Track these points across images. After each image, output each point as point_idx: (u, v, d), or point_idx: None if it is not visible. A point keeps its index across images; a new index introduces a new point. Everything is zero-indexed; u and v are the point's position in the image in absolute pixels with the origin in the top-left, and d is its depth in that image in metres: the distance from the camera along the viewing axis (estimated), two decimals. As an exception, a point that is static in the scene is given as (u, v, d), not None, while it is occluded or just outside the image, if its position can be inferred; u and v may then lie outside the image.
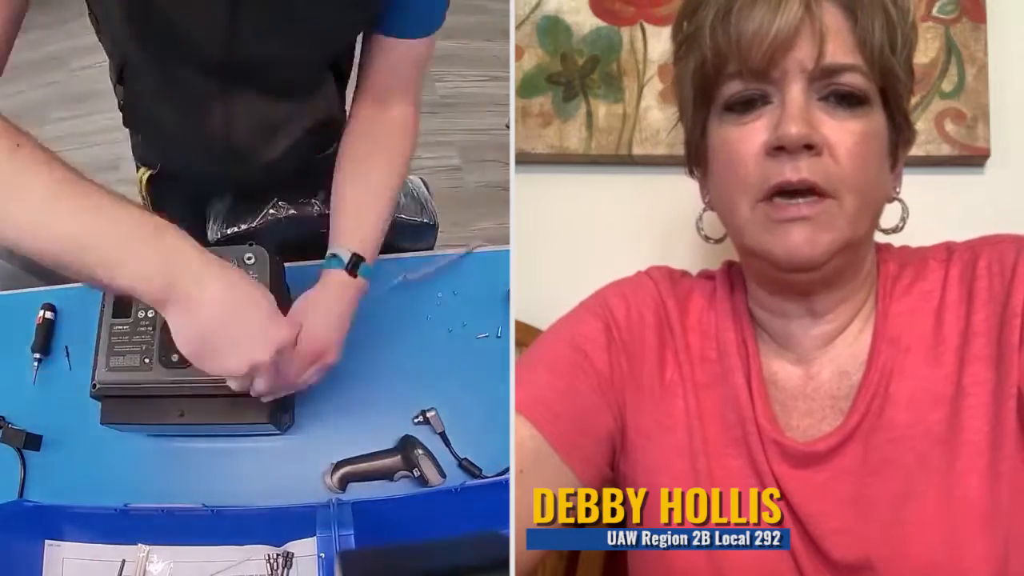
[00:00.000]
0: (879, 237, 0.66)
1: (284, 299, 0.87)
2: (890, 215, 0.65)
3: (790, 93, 0.57)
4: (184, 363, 0.76)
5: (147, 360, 0.83)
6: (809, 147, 0.56)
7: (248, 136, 0.94)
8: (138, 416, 0.86)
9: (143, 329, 0.84)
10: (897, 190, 0.65)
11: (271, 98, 0.92)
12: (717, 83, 0.60)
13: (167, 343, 0.76)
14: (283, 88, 0.92)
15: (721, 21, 0.58)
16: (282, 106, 0.95)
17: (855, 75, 0.57)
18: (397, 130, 0.91)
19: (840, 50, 0.57)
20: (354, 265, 0.85)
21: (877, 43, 0.57)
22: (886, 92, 0.59)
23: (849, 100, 0.57)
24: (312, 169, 1.01)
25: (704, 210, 0.69)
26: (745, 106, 0.59)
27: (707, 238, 0.70)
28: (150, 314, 0.84)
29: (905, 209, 0.65)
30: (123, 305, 0.86)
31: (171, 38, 0.78)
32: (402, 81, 0.90)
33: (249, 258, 0.85)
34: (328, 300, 0.84)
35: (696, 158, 0.67)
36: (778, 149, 0.57)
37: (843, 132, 0.57)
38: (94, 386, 0.84)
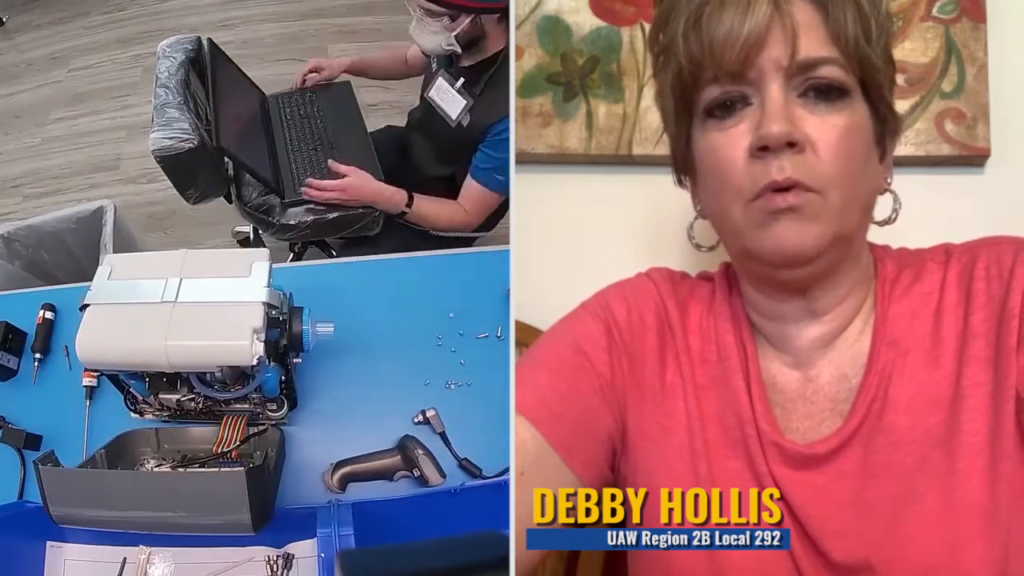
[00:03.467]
0: (875, 230, 0.66)
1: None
2: (883, 208, 0.65)
3: (769, 92, 0.57)
4: None
5: None
6: (792, 144, 0.56)
7: None
8: None
9: None
10: (888, 180, 0.65)
11: None
12: (696, 90, 0.60)
13: None
14: None
15: (693, 28, 0.58)
16: None
17: (832, 67, 0.57)
18: None
19: (814, 44, 0.57)
20: None
21: (851, 34, 0.57)
22: (866, 83, 0.59)
23: (828, 94, 0.57)
24: None
25: (695, 218, 0.69)
26: (725, 110, 0.59)
27: (698, 246, 0.70)
28: None
29: (897, 200, 0.65)
30: None
31: None
32: None
33: None
34: None
35: (684, 167, 0.67)
36: (762, 149, 0.57)
37: (825, 128, 0.57)
38: None
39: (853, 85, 0.58)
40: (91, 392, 1.00)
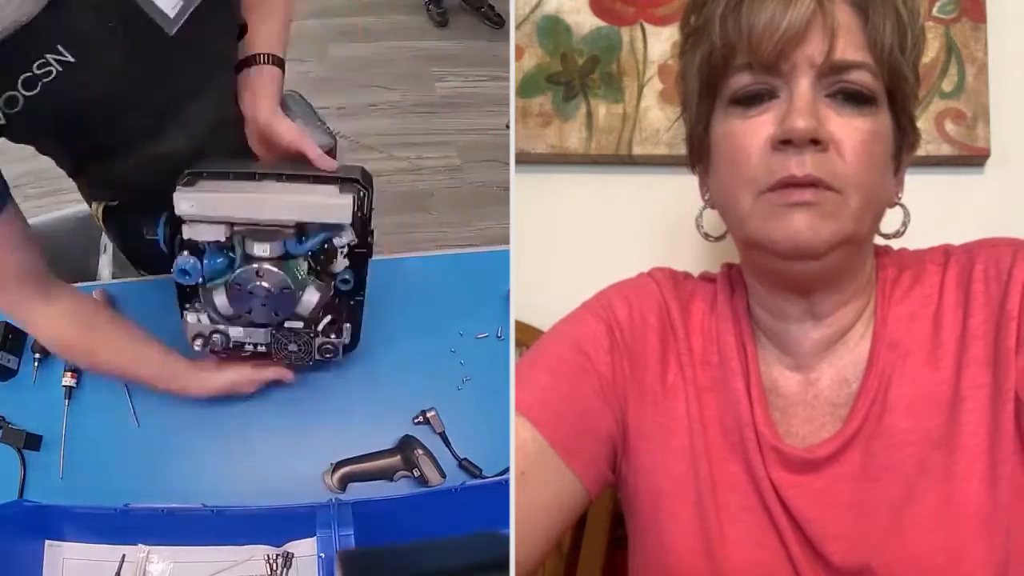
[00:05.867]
0: (880, 242, 0.66)
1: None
2: (892, 220, 0.65)
3: (798, 87, 0.57)
4: None
5: None
6: (815, 142, 0.56)
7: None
8: None
9: None
10: (899, 195, 0.64)
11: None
12: (725, 75, 0.60)
13: None
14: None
15: (732, 12, 0.58)
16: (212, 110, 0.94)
17: (863, 73, 0.57)
18: None
19: (850, 47, 0.57)
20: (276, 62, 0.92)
21: (887, 43, 0.57)
22: (893, 93, 0.59)
23: (856, 98, 0.57)
24: None
25: (704, 207, 0.69)
26: (752, 99, 0.59)
27: (707, 235, 0.70)
28: None
29: (907, 214, 0.65)
30: None
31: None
32: None
33: None
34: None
35: (699, 153, 0.66)
36: (784, 143, 0.56)
37: (849, 129, 0.57)
38: None
39: (881, 93, 0.58)
40: (70, 392, 0.99)
